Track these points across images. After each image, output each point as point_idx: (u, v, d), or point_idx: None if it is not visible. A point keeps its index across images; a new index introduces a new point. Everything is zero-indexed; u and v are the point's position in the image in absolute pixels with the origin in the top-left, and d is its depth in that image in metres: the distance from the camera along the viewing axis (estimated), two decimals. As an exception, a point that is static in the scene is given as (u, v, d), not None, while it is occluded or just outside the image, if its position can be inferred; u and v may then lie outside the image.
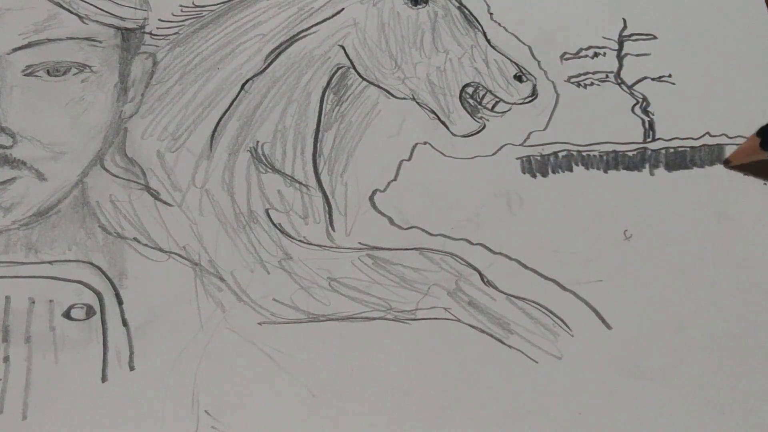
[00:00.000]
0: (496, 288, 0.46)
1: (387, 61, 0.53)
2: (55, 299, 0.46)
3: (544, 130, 0.51)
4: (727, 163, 0.48)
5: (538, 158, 0.50)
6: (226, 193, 0.49)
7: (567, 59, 0.54)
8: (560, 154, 0.50)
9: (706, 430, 0.42)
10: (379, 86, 0.53)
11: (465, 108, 0.52)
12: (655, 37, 0.54)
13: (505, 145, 0.51)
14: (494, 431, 0.42)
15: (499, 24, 0.55)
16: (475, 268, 0.47)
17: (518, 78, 0.53)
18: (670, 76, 0.53)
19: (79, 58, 0.51)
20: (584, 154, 0.50)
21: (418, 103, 0.52)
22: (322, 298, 0.46)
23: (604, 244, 0.47)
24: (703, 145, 0.50)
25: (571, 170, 0.50)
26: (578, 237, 0.48)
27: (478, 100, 0.52)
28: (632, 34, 0.55)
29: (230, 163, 0.50)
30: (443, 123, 0.52)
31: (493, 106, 0.52)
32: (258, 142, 0.51)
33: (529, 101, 0.52)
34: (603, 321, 0.45)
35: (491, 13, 0.55)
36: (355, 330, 0.45)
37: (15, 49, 0.51)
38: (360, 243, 0.48)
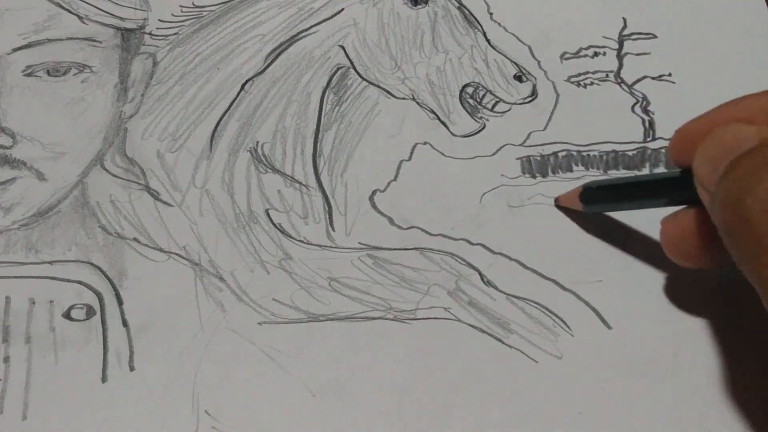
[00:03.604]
0: (496, 288, 0.46)
1: (387, 62, 0.53)
2: (55, 299, 0.46)
3: (544, 130, 0.51)
4: (557, 202, 0.48)
5: (538, 158, 0.50)
6: (226, 193, 0.49)
7: (567, 59, 0.54)
8: (560, 154, 0.50)
9: (706, 430, 0.42)
10: (379, 86, 0.53)
11: (465, 108, 0.52)
12: (655, 37, 0.54)
13: (505, 145, 0.51)
14: (494, 431, 0.42)
15: (499, 24, 0.55)
16: (475, 268, 0.47)
17: (518, 78, 0.53)
18: (670, 75, 0.53)
19: (79, 59, 0.51)
20: (584, 154, 0.50)
21: (418, 103, 0.52)
22: (322, 298, 0.46)
23: (604, 244, 0.47)
24: (703, 145, 0.50)
25: (571, 170, 0.50)
26: (578, 237, 0.48)
27: (478, 100, 0.52)
28: (632, 34, 0.54)
29: (230, 163, 0.50)
30: (443, 123, 0.52)
31: (493, 106, 0.52)
32: (258, 142, 0.51)
33: (529, 101, 0.52)
34: (603, 321, 0.45)
35: (491, 13, 0.55)
36: (355, 330, 0.45)
37: (15, 50, 0.51)
38: (360, 243, 0.48)
